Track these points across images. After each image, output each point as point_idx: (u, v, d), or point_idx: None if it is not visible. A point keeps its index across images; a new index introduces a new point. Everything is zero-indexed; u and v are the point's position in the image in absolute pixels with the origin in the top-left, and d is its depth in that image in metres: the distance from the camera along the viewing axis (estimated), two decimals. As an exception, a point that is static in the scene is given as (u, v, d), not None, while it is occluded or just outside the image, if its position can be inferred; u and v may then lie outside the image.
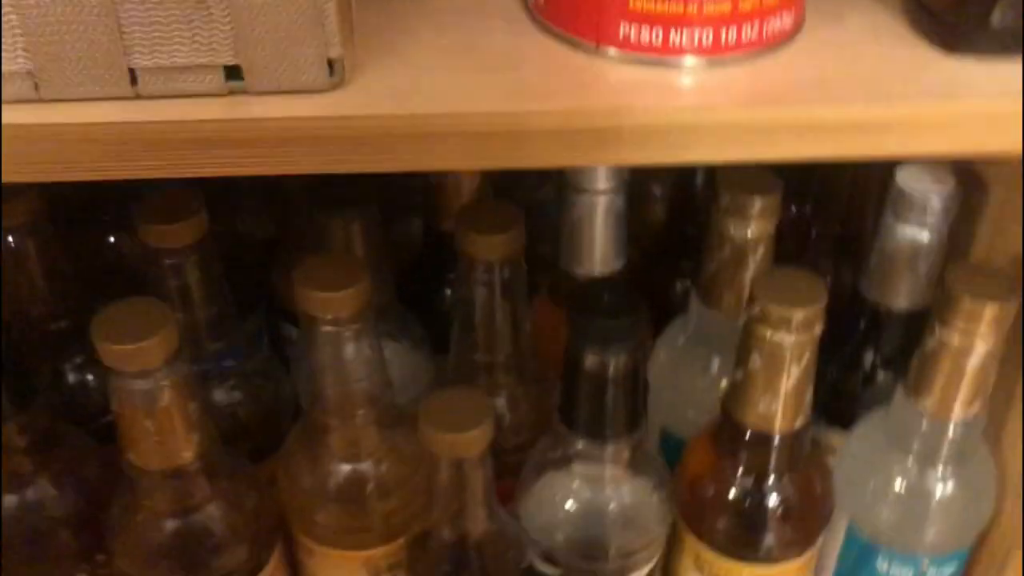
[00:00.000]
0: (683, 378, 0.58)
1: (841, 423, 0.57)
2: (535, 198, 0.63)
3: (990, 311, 0.45)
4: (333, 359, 0.47)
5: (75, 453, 0.51)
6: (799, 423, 0.48)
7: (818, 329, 0.45)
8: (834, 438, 0.58)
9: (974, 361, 0.47)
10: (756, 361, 0.46)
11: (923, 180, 0.52)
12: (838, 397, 0.57)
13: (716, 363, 0.56)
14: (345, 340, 0.47)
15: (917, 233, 0.52)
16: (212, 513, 0.48)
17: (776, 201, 0.52)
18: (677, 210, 0.63)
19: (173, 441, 0.45)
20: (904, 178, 0.52)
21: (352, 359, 0.47)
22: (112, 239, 0.62)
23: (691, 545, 0.53)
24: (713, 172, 0.59)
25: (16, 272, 0.51)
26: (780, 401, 0.47)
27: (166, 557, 0.48)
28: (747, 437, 0.49)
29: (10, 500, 0.49)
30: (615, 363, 0.45)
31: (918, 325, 0.49)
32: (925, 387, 0.49)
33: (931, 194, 0.51)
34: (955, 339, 0.46)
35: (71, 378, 0.55)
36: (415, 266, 0.63)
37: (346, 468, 0.51)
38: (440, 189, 0.60)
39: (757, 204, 0.51)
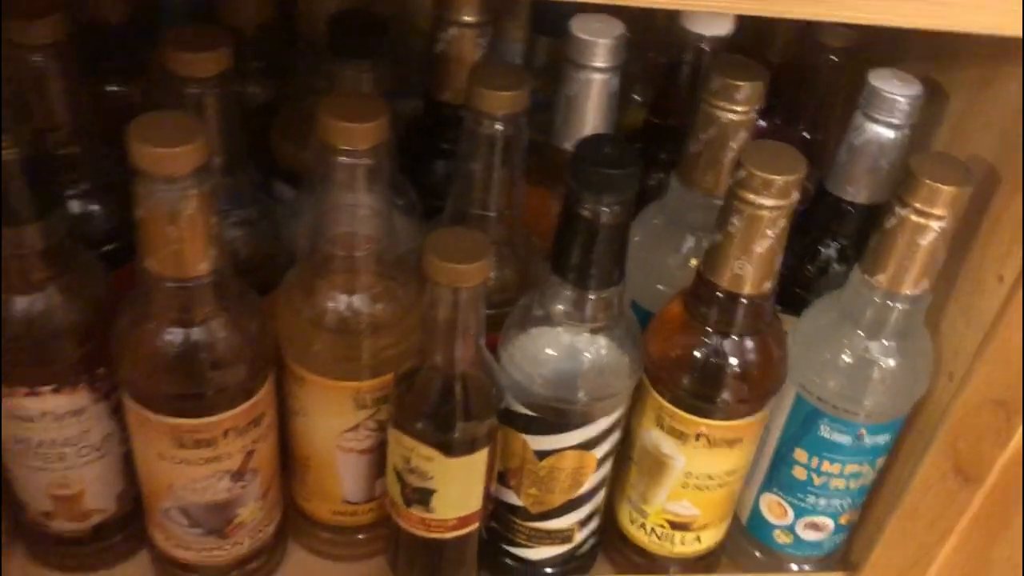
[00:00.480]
0: (658, 254, 0.62)
1: (794, 310, 0.62)
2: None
3: (946, 194, 0.50)
4: (347, 189, 0.50)
5: (84, 268, 0.54)
6: (766, 287, 0.53)
7: (795, 196, 0.50)
8: (789, 323, 0.63)
9: (928, 239, 0.52)
10: (735, 224, 0.51)
11: (893, 82, 0.56)
12: (797, 283, 0.62)
13: (691, 241, 0.61)
14: (360, 173, 0.50)
15: (884, 131, 0.57)
16: (217, 328, 0.51)
17: (761, 88, 0.56)
18: (660, 102, 0.67)
19: (192, 251, 0.48)
20: (876, 78, 0.57)
21: (364, 192, 0.50)
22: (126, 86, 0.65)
23: (653, 401, 0.58)
24: (696, 66, 0.63)
25: (38, 90, 0.53)
26: (753, 263, 0.52)
27: (170, 366, 0.51)
28: (718, 297, 0.53)
29: (19, 302, 0.51)
30: (611, 210, 0.49)
31: (878, 219, 0.54)
32: (880, 263, 0.54)
33: (900, 95, 0.56)
34: (912, 218, 0.51)
35: (78, 205, 0.58)
36: (413, 136, 0.66)
37: (344, 300, 0.54)
38: (441, 60, 0.63)
39: (745, 89, 0.55)
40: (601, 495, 0.62)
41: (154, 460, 0.55)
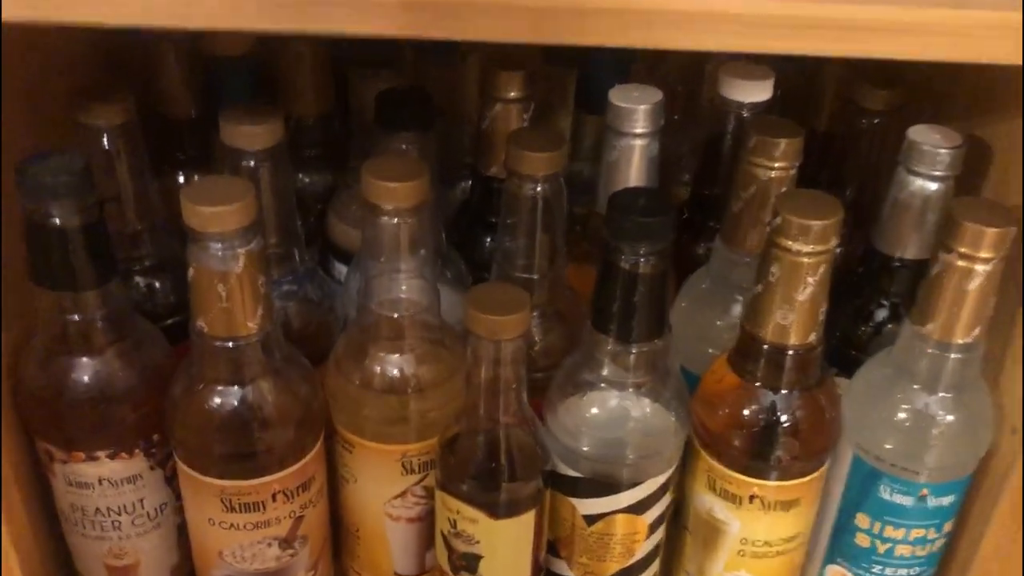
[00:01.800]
0: (706, 317, 0.62)
1: (849, 372, 0.61)
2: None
3: (990, 236, 0.50)
4: (391, 249, 0.52)
5: (143, 335, 0.56)
6: (812, 338, 0.52)
7: (834, 242, 0.50)
8: (844, 386, 0.62)
9: (975, 283, 0.51)
10: (775, 273, 0.51)
11: (932, 135, 0.57)
12: (851, 345, 0.61)
13: (737, 301, 0.60)
14: (402, 231, 0.51)
15: (927, 184, 0.57)
16: (265, 388, 0.52)
17: (798, 145, 0.56)
18: (704, 172, 0.68)
19: (240, 310, 0.49)
20: (915, 133, 0.57)
21: (407, 252, 0.52)
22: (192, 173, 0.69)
23: (704, 463, 0.57)
24: (738, 134, 0.64)
25: (107, 168, 0.56)
26: (795, 313, 0.51)
27: (217, 425, 0.52)
28: (762, 350, 0.53)
29: (81, 366, 0.53)
30: (647, 259, 0.49)
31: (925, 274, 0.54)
32: (929, 312, 0.53)
33: (940, 147, 0.56)
34: (957, 263, 0.51)
35: (142, 280, 0.60)
36: (462, 212, 0.68)
37: (389, 361, 0.55)
38: (488, 136, 0.65)
39: (782, 145, 0.56)
40: (655, 567, 0.60)
41: (204, 526, 0.55)
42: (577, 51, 0.67)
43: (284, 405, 0.53)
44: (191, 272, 0.49)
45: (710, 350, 0.60)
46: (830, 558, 0.62)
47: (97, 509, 0.57)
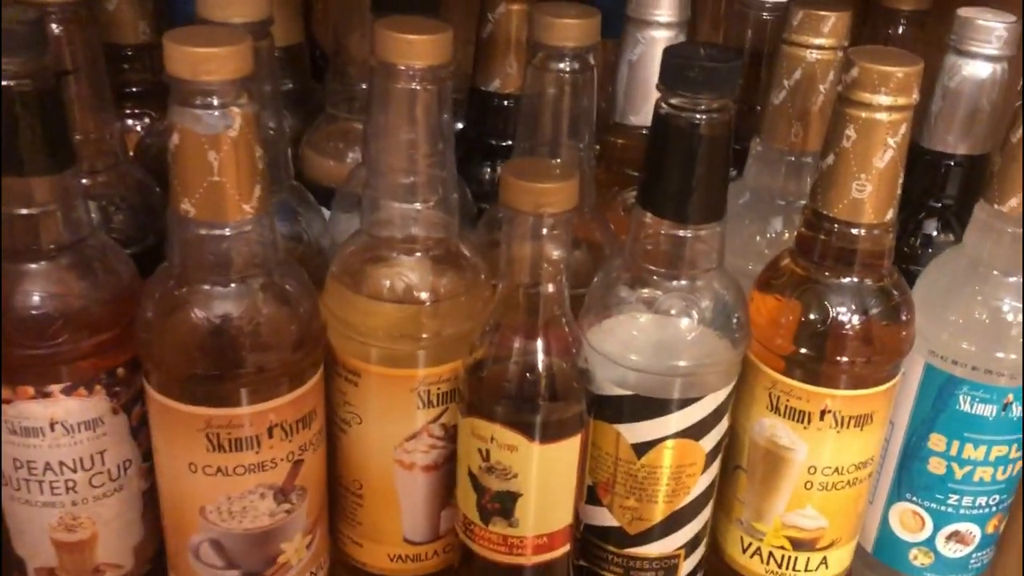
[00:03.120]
0: (745, 233, 0.55)
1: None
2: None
3: (1084, 85, 0.45)
4: (406, 118, 0.44)
5: (105, 248, 0.47)
6: (890, 216, 0.46)
7: (916, 96, 0.44)
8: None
9: (1065, 143, 0.46)
10: (850, 136, 0.45)
11: (986, 14, 0.52)
12: (904, 259, 0.55)
13: (780, 213, 0.55)
14: (419, 97, 0.44)
15: (983, 66, 0.52)
16: (259, 292, 0.43)
17: (848, 19, 0.51)
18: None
19: (234, 188, 0.41)
20: (967, 12, 0.52)
21: (423, 123, 0.45)
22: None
23: (765, 379, 0.50)
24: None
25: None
26: (873, 184, 0.45)
27: (204, 336, 0.43)
28: (835, 231, 0.46)
29: (31, 274, 0.44)
30: (710, 116, 0.43)
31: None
32: (1009, 187, 0.47)
33: (996, 22, 0.51)
34: (1043, 123, 0.46)
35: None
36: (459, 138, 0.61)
37: (404, 269, 0.47)
38: (490, 44, 0.58)
39: (832, 20, 0.51)
40: (708, 511, 0.52)
41: (184, 476, 0.45)
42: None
43: (283, 314, 0.44)
44: (174, 139, 0.40)
45: (750, 266, 0.54)
46: (896, 495, 0.55)
47: (48, 465, 0.46)
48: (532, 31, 0.48)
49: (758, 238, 0.55)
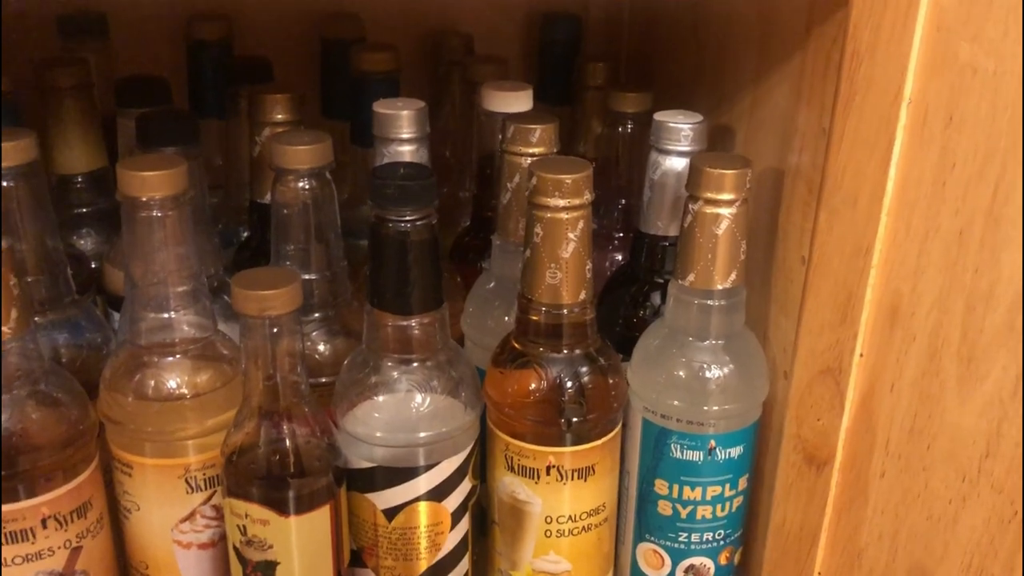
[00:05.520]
0: (494, 314, 0.62)
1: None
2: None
3: (730, 177, 0.53)
4: (152, 241, 0.51)
5: None
6: (583, 296, 0.54)
7: (588, 196, 0.52)
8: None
9: (723, 227, 0.54)
10: (539, 233, 0.53)
11: (677, 116, 0.61)
12: (635, 329, 0.63)
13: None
14: (158, 223, 0.51)
15: (677, 160, 0.61)
16: (27, 399, 0.50)
17: (554, 130, 0.60)
18: (479, 194, 0.70)
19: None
20: (661, 116, 0.61)
21: (170, 241, 0.51)
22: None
23: (500, 442, 0.57)
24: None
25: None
26: (563, 271, 0.53)
27: None
28: (540, 311, 0.54)
29: None
30: (415, 224, 0.50)
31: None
32: (688, 264, 0.56)
33: (684, 123, 0.60)
34: (705, 209, 0.54)
35: None
36: (243, 246, 0.68)
37: (165, 371, 0.53)
38: (258, 163, 0.65)
39: (538, 132, 0.59)
40: (466, 562, 0.59)
41: (-30, 569, 0.51)
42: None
43: (50, 416, 0.50)
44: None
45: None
46: (639, 536, 0.62)
47: None
48: (271, 157, 0.56)
49: (506, 319, 0.62)
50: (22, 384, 0.49)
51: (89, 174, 0.70)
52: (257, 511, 0.52)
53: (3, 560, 0.50)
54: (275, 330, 0.49)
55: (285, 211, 0.57)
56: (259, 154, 0.65)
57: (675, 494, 0.59)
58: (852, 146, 0.50)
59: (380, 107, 0.62)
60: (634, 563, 0.63)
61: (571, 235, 0.52)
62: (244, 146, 0.72)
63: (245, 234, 0.70)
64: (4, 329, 0.48)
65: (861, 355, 0.52)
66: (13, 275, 0.48)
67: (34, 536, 0.50)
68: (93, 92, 0.69)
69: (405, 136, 0.62)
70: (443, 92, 0.81)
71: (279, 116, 0.64)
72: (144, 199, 0.50)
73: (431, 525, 0.56)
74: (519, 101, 0.66)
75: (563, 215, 0.52)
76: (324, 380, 0.58)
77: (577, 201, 0.52)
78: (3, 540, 0.50)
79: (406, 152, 0.62)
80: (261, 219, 0.66)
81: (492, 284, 0.64)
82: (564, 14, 0.84)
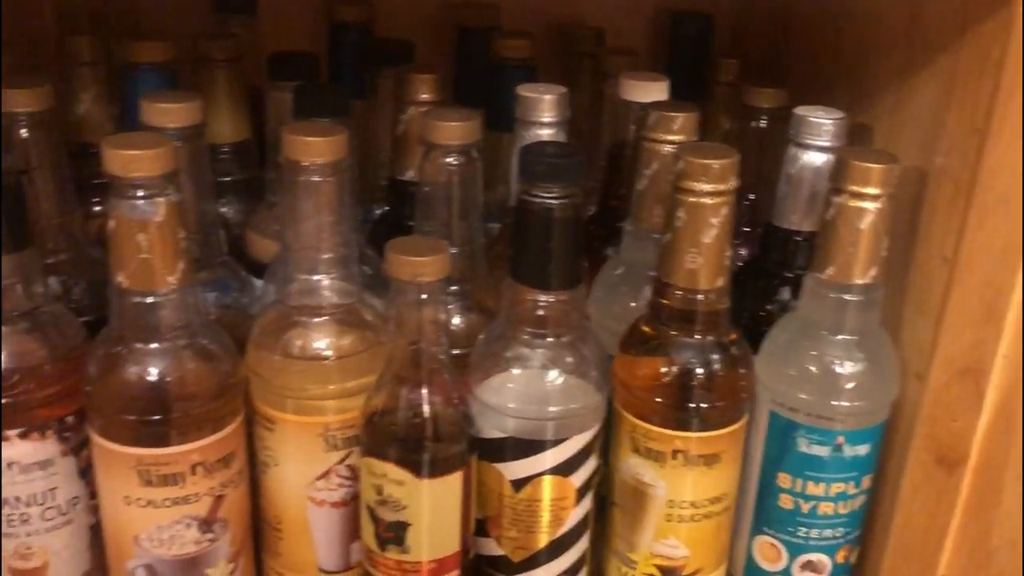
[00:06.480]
0: (621, 301, 0.63)
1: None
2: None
3: (877, 172, 0.53)
4: (310, 205, 0.53)
5: (61, 316, 0.55)
6: (720, 282, 0.55)
7: (733, 183, 0.53)
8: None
9: (867, 221, 0.54)
10: (681, 217, 0.53)
11: (818, 112, 0.61)
12: (763, 323, 0.63)
13: (650, 282, 0.63)
14: (322, 188, 0.53)
15: (816, 156, 0.61)
16: (184, 348, 0.52)
17: (695, 119, 0.60)
18: (608, 182, 0.71)
19: (160, 263, 0.50)
20: (801, 110, 0.61)
21: (327, 208, 0.53)
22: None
23: (627, 424, 0.57)
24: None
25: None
26: (703, 256, 0.53)
27: (137, 387, 0.51)
28: (676, 296, 0.55)
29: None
30: (560, 201, 0.51)
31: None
32: (827, 257, 0.56)
33: (825, 119, 0.60)
34: (848, 202, 0.54)
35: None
36: (380, 221, 0.70)
37: (312, 331, 0.55)
38: (402, 141, 0.67)
39: (680, 120, 0.60)
40: (585, 540, 0.60)
41: (120, 507, 0.53)
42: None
43: (204, 368, 0.52)
44: (111, 224, 0.49)
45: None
46: (757, 529, 0.62)
47: (5, 500, 0.54)
48: (423, 132, 0.57)
49: (632, 304, 0.63)
50: (182, 334, 0.52)
51: (235, 144, 0.73)
52: (394, 471, 0.53)
53: (154, 501, 0.53)
54: (424, 296, 0.51)
55: (431, 186, 0.58)
56: (402, 132, 0.67)
57: (798, 488, 0.59)
58: (1009, 145, 0.49)
59: (524, 91, 0.63)
60: (749, 555, 0.63)
61: (714, 221, 0.53)
62: (381, 125, 0.74)
63: (378, 212, 0.72)
64: (170, 280, 0.50)
65: (1004, 356, 0.51)
66: (182, 228, 0.50)
67: (183, 481, 0.53)
68: (242, 66, 0.72)
69: (546, 120, 0.63)
70: (572, 83, 0.82)
71: (424, 96, 0.66)
72: (307, 164, 0.52)
73: (556, 499, 0.57)
74: (656, 91, 0.67)
75: (707, 200, 0.53)
76: (455, 352, 0.59)
77: (722, 187, 0.52)
78: (155, 482, 0.52)
79: (546, 135, 0.63)
80: (400, 196, 0.68)
81: (620, 270, 0.65)
82: (694, 11, 0.84)
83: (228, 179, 0.73)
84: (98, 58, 0.69)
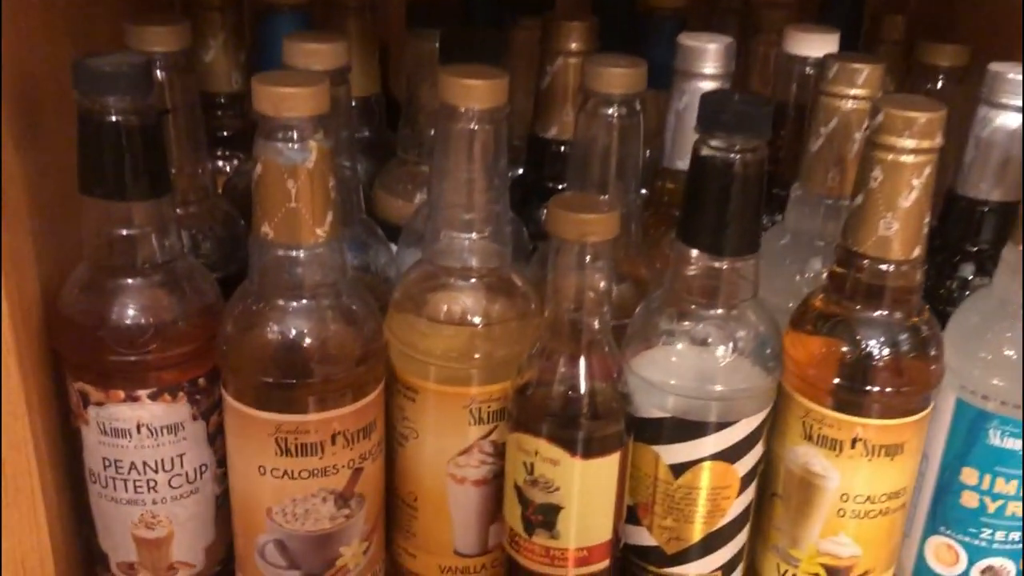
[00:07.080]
0: (785, 273, 0.58)
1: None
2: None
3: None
4: (465, 155, 0.49)
5: (192, 267, 0.52)
6: (917, 252, 0.49)
7: (939, 140, 0.47)
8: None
9: (1089, 186, 0.48)
10: (877, 177, 0.48)
11: (1016, 68, 0.55)
12: (940, 301, 0.58)
13: (818, 253, 0.57)
14: (477, 138, 0.48)
15: (1012, 116, 0.55)
16: (331, 308, 0.48)
17: (882, 71, 0.54)
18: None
19: (309, 213, 0.46)
20: (997, 66, 0.55)
21: (480, 161, 0.49)
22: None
23: (798, 408, 0.52)
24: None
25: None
26: (900, 222, 0.48)
27: (279, 347, 0.47)
28: (863, 267, 0.49)
29: (126, 288, 0.49)
30: (743, 155, 0.46)
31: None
32: (1036, 229, 0.50)
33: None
34: (1067, 167, 0.48)
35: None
36: (518, 181, 0.65)
37: (460, 294, 0.51)
38: (548, 95, 0.62)
39: (865, 72, 0.54)
40: (744, 535, 0.55)
41: (253, 478, 0.50)
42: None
43: (348, 330, 0.49)
44: (258, 170, 0.45)
45: (790, 304, 0.57)
46: (931, 528, 0.56)
47: (132, 464, 0.51)
48: (584, 80, 0.52)
49: (798, 277, 0.58)
50: (327, 293, 0.48)
51: (364, 99, 0.70)
52: (547, 449, 0.49)
53: (290, 472, 0.49)
54: (589, 258, 0.46)
55: (588, 141, 0.54)
56: (548, 84, 0.62)
57: (985, 485, 0.54)
58: None
59: (686, 39, 0.58)
60: (921, 557, 0.57)
61: (915, 182, 0.47)
62: (518, 78, 0.69)
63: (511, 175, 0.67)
64: (319, 232, 0.46)
65: None
66: (332, 177, 0.46)
67: (322, 451, 0.49)
68: (373, 15, 0.68)
69: (709, 72, 0.58)
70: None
71: (575, 45, 0.61)
72: (464, 110, 0.48)
73: (719, 488, 0.52)
74: (827, 43, 0.61)
75: (909, 158, 0.47)
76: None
77: (927, 144, 0.47)
78: (292, 451, 0.48)
79: (708, 90, 0.58)
80: (540, 155, 0.64)
81: (786, 239, 0.59)
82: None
83: (356, 135, 0.69)
84: (227, 2, 0.65)
